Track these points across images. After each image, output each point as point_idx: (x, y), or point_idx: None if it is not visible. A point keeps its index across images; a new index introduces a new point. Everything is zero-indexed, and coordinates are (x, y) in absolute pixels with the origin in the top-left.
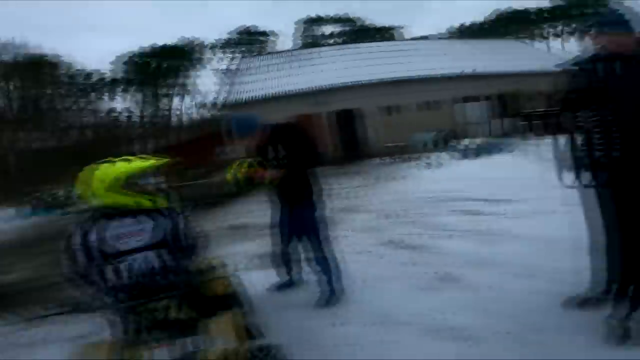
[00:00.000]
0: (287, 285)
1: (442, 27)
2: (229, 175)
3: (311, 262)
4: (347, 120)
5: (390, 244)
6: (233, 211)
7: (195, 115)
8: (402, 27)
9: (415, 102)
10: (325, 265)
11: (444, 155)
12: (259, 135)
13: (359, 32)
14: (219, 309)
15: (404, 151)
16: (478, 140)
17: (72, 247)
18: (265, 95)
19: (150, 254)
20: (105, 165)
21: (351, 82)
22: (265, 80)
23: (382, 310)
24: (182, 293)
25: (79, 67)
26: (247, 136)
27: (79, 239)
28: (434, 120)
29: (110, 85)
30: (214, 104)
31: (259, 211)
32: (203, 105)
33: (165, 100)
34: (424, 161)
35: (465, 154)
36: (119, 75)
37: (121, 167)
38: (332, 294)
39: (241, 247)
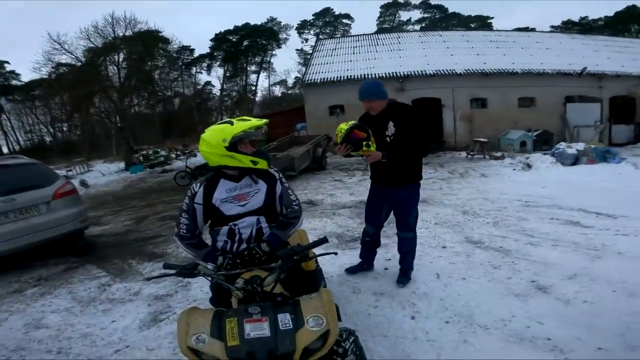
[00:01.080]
0: (359, 268)
1: (532, 23)
2: (343, 125)
3: (401, 242)
4: (428, 110)
5: (468, 242)
6: (301, 187)
7: (272, 92)
8: (491, 18)
9: (511, 98)
10: (412, 247)
11: (536, 157)
12: (380, 105)
13: (445, 19)
14: (311, 285)
15: (489, 148)
16: (579, 145)
17: (193, 206)
18: (343, 77)
19: (254, 220)
20: (211, 128)
21: (437, 70)
22: (344, 62)
23: (464, 310)
24: (282, 266)
25: (184, 44)
26: (369, 100)
27: (201, 198)
28: (530, 118)
29: (208, 60)
30: (292, 82)
31: (325, 190)
32: (280, 83)
33: (244, 76)
34: (511, 161)
35: (562, 158)
36: (211, 51)
37: (225, 128)
38: (410, 276)
39: (307, 223)
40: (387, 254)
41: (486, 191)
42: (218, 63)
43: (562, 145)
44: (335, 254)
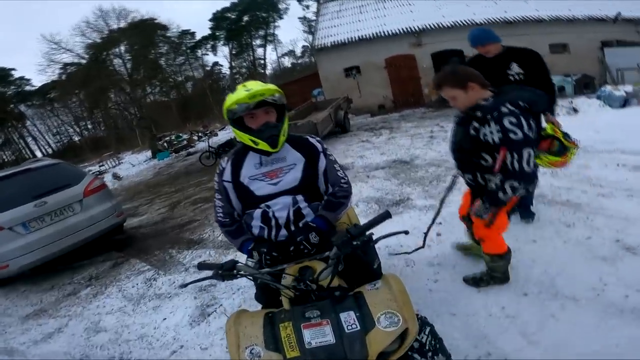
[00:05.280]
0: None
1: None
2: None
3: None
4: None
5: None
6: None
7: (282, 64)
8: None
9: (541, 45)
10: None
11: (581, 101)
12: (496, 48)
13: None
14: (367, 267)
15: None
16: (627, 88)
17: (223, 184)
18: (354, 37)
19: (289, 200)
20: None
21: (454, 22)
22: (352, 23)
23: (543, 278)
24: (340, 255)
25: (183, 28)
26: (485, 44)
27: (230, 175)
28: (564, 64)
29: (211, 41)
30: (300, 51)
31: (353, 152)
32: (289, 54)
33: (250, 51)
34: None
35: (610, 100)
36: (213, 31)
37: (229, 97)
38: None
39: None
40: (439, 218)
41: None
42: (222, 42)
43: (608, 87)
44: (407, 232)
